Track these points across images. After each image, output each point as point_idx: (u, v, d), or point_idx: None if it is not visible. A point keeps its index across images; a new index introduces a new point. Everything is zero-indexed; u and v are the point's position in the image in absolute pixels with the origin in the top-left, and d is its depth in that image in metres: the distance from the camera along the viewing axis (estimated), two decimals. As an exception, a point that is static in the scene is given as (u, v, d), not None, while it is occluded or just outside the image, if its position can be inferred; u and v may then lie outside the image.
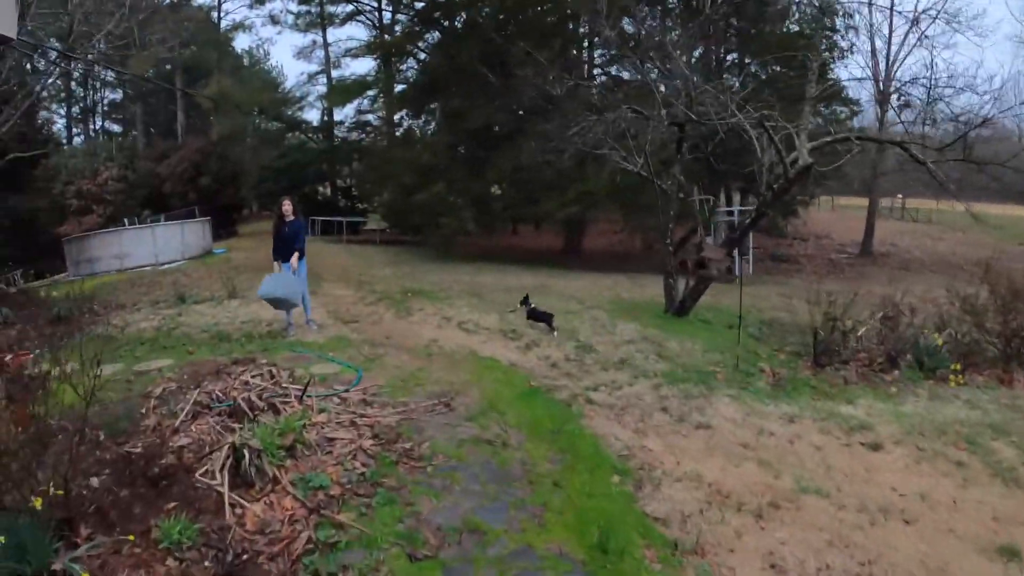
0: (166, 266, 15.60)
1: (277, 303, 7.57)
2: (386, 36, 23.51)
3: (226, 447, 4.00)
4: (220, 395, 5.38)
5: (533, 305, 8.35)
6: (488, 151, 18.96)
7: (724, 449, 4.85)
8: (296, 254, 7.62)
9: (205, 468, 3.94)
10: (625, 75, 18.88)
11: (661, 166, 10.48)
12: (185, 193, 26.11)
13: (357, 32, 55.66)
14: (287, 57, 62.92)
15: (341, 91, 25.31)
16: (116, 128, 33.63)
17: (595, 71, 21.08)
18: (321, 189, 29.89)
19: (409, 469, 4.18)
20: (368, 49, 22.98)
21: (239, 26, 27.11)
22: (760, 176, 9.04)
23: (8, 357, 6.87)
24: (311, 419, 4.73)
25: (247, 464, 3.82)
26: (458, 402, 5.45)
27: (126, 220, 18.62)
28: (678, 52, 10.34)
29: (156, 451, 4.14)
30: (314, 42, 28.00)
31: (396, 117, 24.87)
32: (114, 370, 6.15)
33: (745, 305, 9.52)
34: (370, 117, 27.25)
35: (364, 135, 28.03)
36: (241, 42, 33.40)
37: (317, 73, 29.59)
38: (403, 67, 23.07)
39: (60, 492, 3.05)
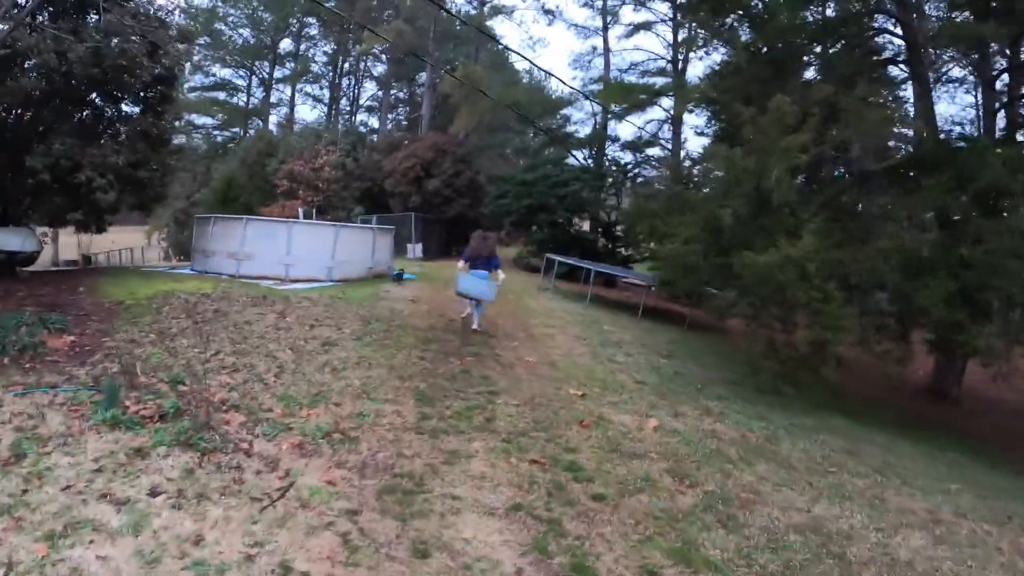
0: (294, 286, 9.74)
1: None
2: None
3: None
4: None
5: None
6: (895, 194, 9.39)
7: None
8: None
9: None
10: None
11: None
12: (408, 195, 21.72)
13: (647, 43, 49.12)
14: (561, 69, 58.68)
15: (618, 89, 18.06)
16: (375, 123, 31.86)
17: None
18: (576, 221, 22.48)
19: None
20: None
21: (498, 10, 21.98)
22: None
23: None
24: None
25: None
26: None
27: (301, 212, 13.67)
28: None
29: None
30: (593, 49, 21.54)
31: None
32: None
33: None
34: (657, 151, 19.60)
35: (642, 159, 20.36)
36: (511, 46, 28.73)
37: (594, 82, 23.22)
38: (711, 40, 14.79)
39: None
